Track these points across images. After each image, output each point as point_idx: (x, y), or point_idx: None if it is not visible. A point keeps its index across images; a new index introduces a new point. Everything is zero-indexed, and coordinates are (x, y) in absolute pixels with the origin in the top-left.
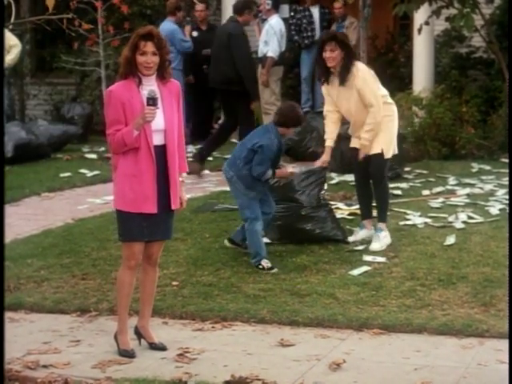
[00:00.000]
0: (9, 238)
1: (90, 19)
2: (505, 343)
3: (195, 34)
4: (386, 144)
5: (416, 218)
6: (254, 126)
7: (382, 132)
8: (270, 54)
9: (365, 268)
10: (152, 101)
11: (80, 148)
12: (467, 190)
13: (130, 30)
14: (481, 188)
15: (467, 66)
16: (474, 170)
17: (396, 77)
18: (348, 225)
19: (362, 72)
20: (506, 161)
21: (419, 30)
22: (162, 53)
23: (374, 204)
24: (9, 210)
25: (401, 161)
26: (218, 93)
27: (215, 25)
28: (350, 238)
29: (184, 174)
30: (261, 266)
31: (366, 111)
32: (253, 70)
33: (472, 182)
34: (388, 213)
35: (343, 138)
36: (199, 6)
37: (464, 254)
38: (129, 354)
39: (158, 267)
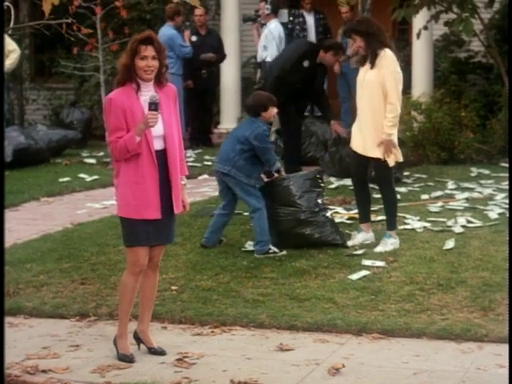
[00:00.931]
0: (8, 242)
1: (89, 24)
2: (504, 348)
3: (194, 38)
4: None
5: (415, 223)
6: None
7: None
8: (268, 59)
9: (364, 272)
10: (154, 105)
11: (79, 153)
12: (466, 195)
13: (129, 34)
14: (480, 192)
15: (466, 71)
16: (473, 175)
17: None
18: (347, 229)
19: (388, 58)
20: (505, 165)
21: (418, 35)
22: (160, 57)
23: (373, 208)
24: (8, 214)
25: (400, 165)
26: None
27: (214, 29)
28: (349, 243)
29: (184, 177)
30: (271, 251)
31: (384, 103)
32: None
33: (471, 186)
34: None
35: (342, 143)
36: (198, 11)
37: (463, 258)
38: (128, 359)
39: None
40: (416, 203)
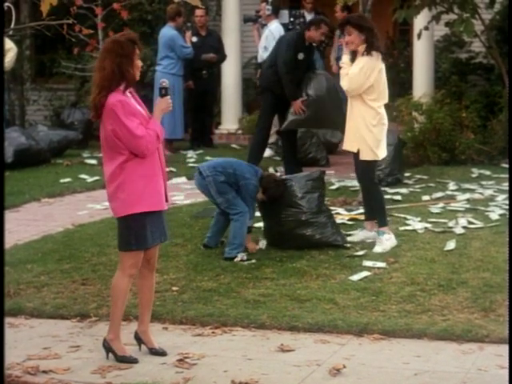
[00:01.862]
0: (9, 243)
1: (90, 25)
2: (505, 348)
3: (195, 39)
4: (365, 146)
5: (416, 224)
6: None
7: (364, 135)
8: None
9: (365, 273)
10: (165, 90)
11: (80, 153)
12: (467, 196)
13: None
14: (481, 193)
15: (467, 72)
16: (473, 176)
17: (396, 82)
18: (348, 230)
19: (366, 61)
20: (506, 166)
21: (418, 36)
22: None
23: None
24: (9, 215)
25: (401, 166)
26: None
27: (215, 30)
28: (349, 238)
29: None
30: (238, 258)
31: (356, 103)
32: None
33: (472, 187)
34: (388, 218)
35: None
36: (199, 12)
37: (464, 259)
38: (130, 360)
39: (158, 272)
40: (417, 204)
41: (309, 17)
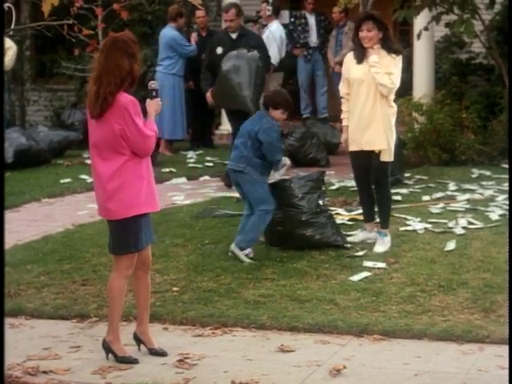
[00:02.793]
0: (9, 243)
1: (91, 25)
2: (505, 349)
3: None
4: (389, 147)
5: (416, 224)
6: None
7: (389, 136)
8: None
9: (365, 274)
10: (155, 92)
11: (80, 154)
12: (467, 196)
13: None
14: (481, 194)
15: (467, 72)
16: (474, 176)
17: None
18: (348, 230)
19: (400, 61)
20: (507, 166)
21: (418, 36)
22: None
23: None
24: (9, 215)
25: (401, 166)
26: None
27: (215, 30)
28: (349, 238)
29: None
30: (245, 252)
31: (381, 103)
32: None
33: (472, 187)
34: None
35: None
36: (199, 12)
37: (464, 259)
38: (130, 360)
39: (158, 273)
40: (417, 204)
41: (310, 17)
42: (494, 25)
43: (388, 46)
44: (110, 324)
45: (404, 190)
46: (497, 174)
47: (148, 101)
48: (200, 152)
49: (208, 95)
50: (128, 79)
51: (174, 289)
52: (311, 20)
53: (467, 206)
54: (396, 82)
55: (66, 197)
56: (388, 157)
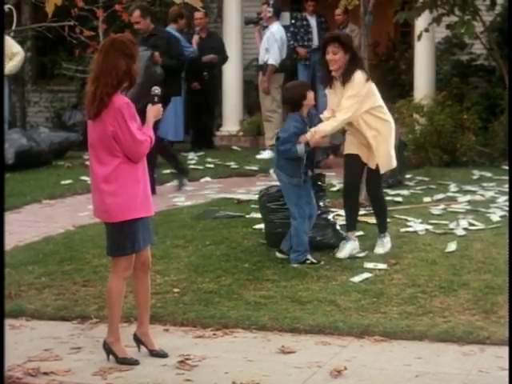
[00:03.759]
0: (10, 245)
1: (91, 27)
2: (506, 350)
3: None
4: (383, 159)
5: (417, 225)
6: None
7: (379, 148)
8: (270, 62)
9: (366, 275)
10: (157, 98)
11: (81, 155)
12: (468, 197)
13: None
14: (482, 195)
15: (468, 73)
16: (475, 177)
17: (397, 84)
18: None
19: (358, 81)
20: (507, 168)
21: (419, 37)
22: None
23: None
24: (10, 216)
25: (402, 168)
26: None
27: (215, 32)
28: (339, 255)
29: None
30: (309, 261)
31: (362, 119)
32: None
33: (473, 188)
34: (389, 220)
35: None
36: (198, 14)
37: (465, 260)
38: (131, 361)
39: (159, 274)
40: (418, 206)
41: (311, 19)
42: (495, 26)
43: (348, 70)
44: (110, 325)
45: (405, 192)
46: (498, 175)
47: (149, 106)
48: (201, 153)
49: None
50: (125, 80)
51: (175, 290)
52: (312, 22)
53: (468, 208)
54: (346, 114)
55: (66, 198)
56: (387, 167)
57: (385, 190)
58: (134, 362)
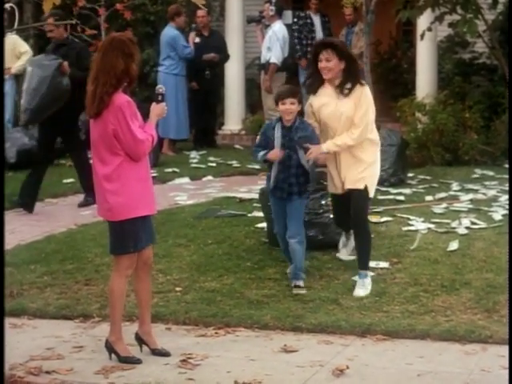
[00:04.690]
0: (12, 243)
1: (93, 25)
2: (508, 349)
3: (197, 40)
4: (372, 180)
5: (419, 224)
6: None
7: (369, 167)
8: (272, 60)
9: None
10: (161, 96)
11: None
12: (470, 196)
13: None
14: (484, 194)
15: (470, 72)
16: (476, 176)
17: (399, 83)
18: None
19: (368, 96)
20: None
21: (421, 36)
22: None
23: (377, 209)
24: (12, 215)
25: (404, 166)
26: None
27: (217, 30)
28: (340, 256)
29: None
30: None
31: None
32: None
33: (475, 187)
34: (391, 218)
35: None
36: (200, 12)
37: (467, 259)
38: (133, 360)
39: (161, 273)
40: (420, 204)
41: (315, 18)
42: (497, 25)
43: (348, 79)
44: (113, 324)
45: (407, 190)
46: (500, 174)
47: (153, 104)
48: (203, 152)
49: None
50: (125, 79)
51: (177, 289)
52: (316, 20)
53: (470, 206)
54: (361, 135)
55: (68, 197)
56: (373, 190)
57: (387, 189)
58: (136, 361)
